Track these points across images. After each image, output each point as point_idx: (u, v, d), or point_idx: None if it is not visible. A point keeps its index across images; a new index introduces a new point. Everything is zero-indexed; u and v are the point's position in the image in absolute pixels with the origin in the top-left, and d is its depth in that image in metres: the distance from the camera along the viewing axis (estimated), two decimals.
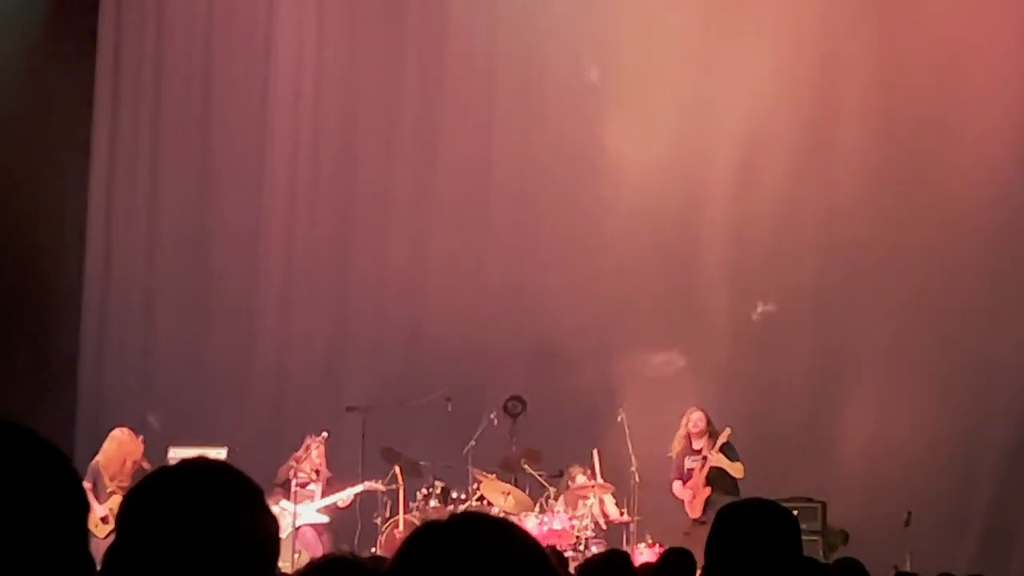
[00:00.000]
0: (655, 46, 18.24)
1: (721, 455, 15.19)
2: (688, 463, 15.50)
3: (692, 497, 15.31)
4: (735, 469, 15.17)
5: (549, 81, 18.65)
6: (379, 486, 15.85)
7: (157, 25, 19.66)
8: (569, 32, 18.61)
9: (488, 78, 18.90)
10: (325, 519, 15.76)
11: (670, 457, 15.67)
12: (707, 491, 15.21)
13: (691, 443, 15.56)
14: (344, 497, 15.79)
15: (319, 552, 15.30)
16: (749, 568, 4.00)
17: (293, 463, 15.80)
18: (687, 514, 15.42)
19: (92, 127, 19.45)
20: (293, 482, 15.73)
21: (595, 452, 16.02)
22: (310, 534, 15.71)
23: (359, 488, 15.79)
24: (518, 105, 18.77)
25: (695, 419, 15.52)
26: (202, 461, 2.58)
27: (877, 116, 17.53)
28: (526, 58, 18.79)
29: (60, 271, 18.76)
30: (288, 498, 15.60)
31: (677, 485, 15.55)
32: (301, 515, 15.61)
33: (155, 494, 2.49)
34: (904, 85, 17.49)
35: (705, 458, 15.33)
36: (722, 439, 15.25)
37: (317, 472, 15.91)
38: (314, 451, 15.85)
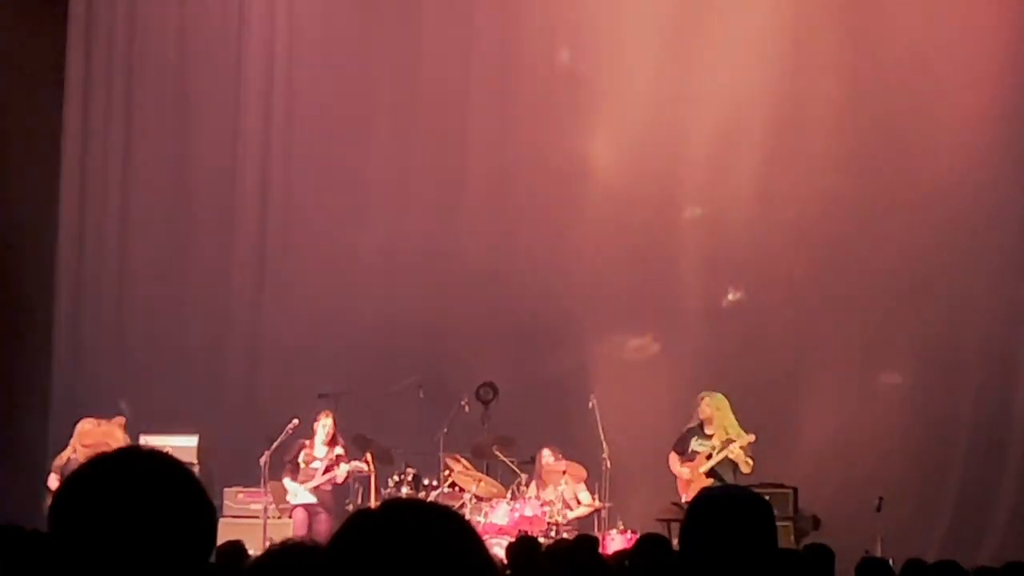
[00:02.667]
0: (629, 33, 18.25)
1: (740, 452, 15.21)
2: (694, 444, 15.54)
3: (689, 480, 15.34)
4: (746, 465, 15.21)
5: (524, 67, 18.64)
6: (364, 466, 15.84)
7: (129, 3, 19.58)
8: (543, 18, 18.60)
9: (463, 64, 18.87)
10: (312, 499, 15.71)
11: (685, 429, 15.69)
12: (707, 481, 15.17)
13: (703, 426, 15.59)
14: (336, 476, 15.76)
15: (302, 534, 15.31)
16: (722, 556, 4.00)
17: (304, 441, 15.81)
18: (678, 491, 15.47)
19: (64, 104, 19.33)
20: (300, 457, 15.76)
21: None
22: (300, 515, 15.71)
23: (349, 467, 15.75)
24: (493, 90, 18.76)
25: (704, 405, 15.64)
26: (136, 450, 2.57)
27: (850, 105, 17.58)
28: (501, 42, 18.78)
29: (32, 256, 18.68)
30: (294, 476, 15.66)
31: (674, 458, 15.59)
32: (297, 495, 15.63)
33: (83, 486, 2.48)
34: (877, 74, 17.54)
35: (714, 447, 15.34)
36: (741, 443, 15.26)
37: (331, 445, 15.83)
38: (319, 425, 15.80)
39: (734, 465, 15.34)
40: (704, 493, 4.31)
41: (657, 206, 17.98)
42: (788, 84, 17.84)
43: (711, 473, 15.31)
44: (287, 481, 15.67)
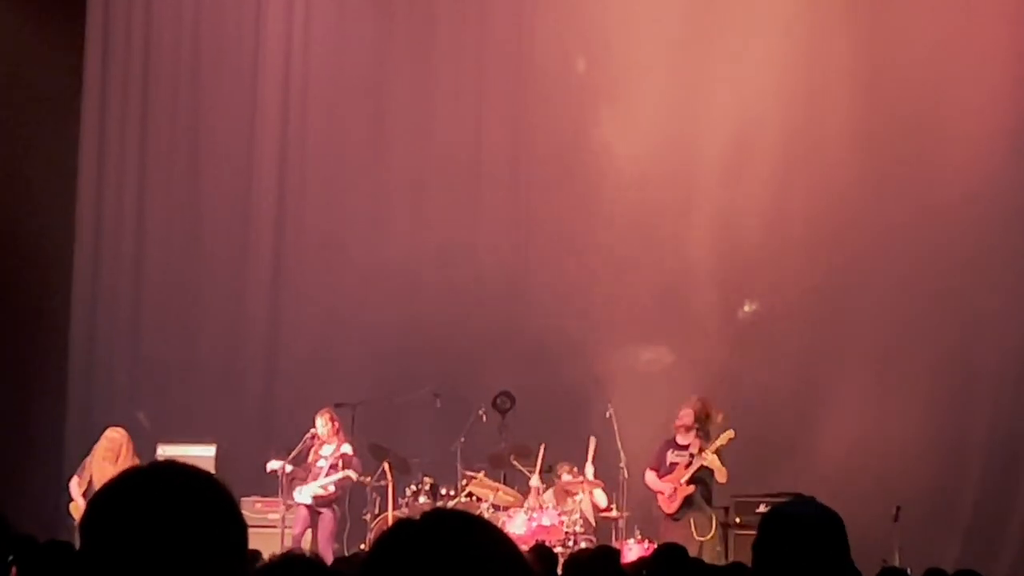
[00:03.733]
0: (643, 39, 18.25)
1: (715, 457, 15.07)
2: (671, 456, 15.35)
3: (673, 492, 15.23)
4: (721, 473, 15.09)
5: (539, 75, 18.64)
6: (361, 478, 15.79)
7: (145, 9, 19.60)
8: (558, 23, 18.60)
9: (477, 71, 18.90)
10: (307, 500, 15.68)
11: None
12: (689, 489, 15.13)
13: (676, 436, 15.47)
14: (327, 483, 15.72)
15: (299, 531, 15.39)
16: (799, 572, 3.98)
17: (310, 440, 15.80)
18: (660, 507, 15.37)
19: (80, 118, 19.38)
20: (310, 456, 15.76)
21: (591, 440, 15.98)
22: (303, 512, 15.70)
23: (338, 476, 15.70)
24: (508, 98, 18.78)
25: (682, 414, 15.39)
26: (171, 465, 2.56)
27: (865, 113, 17.54)
28: (515, 51, 18.79)
29: (49, 266, 18.72)
30: (298, 473, 15.69)
31: (651, 476, 15.41)
32: (302, 494, 15.64)
33: (118, 500, 2.47)
34: (892, 82, 17.51)
35: (692, 455, 15.24)
36: (721, 441, 15.13)
37: (336, 442, 15.79)
38: (319, 425, 15.80)
39: (711, 472, 15.24)
40: (776, 509, 4.25)
41: (672, 216, 17.97)
42: (802, 94, 17.81)
43: (693, 480, 15.18)
44: (298, 486, 15.68)
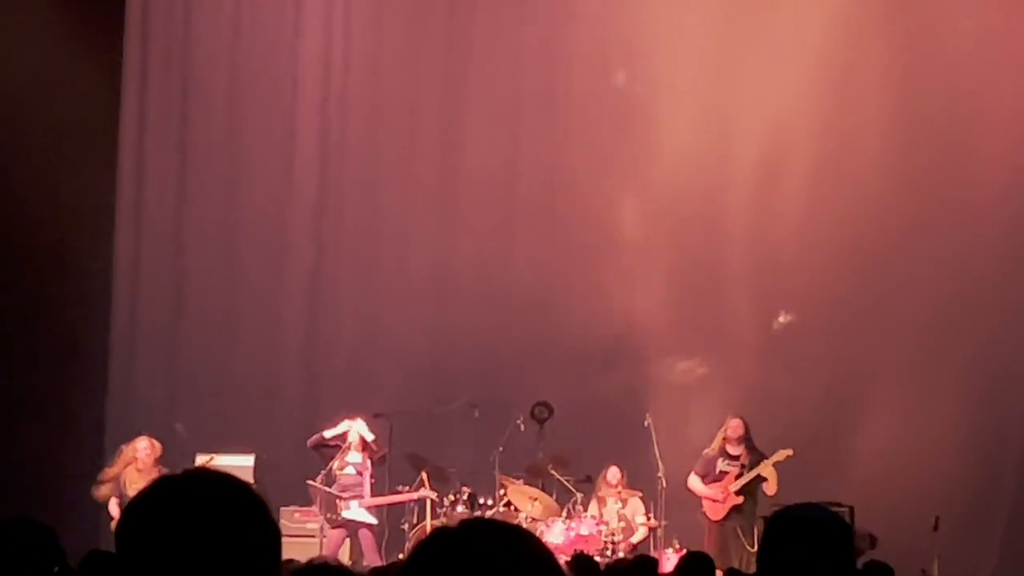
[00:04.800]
0: (679, 52, 18.24)
1: (773, 470, 15.20)
2: (721, 465, 15.57)
3: (722, 499, 15.32)
4: (772, 486, 15.20)
5: (574, 85, 18.66)
6: (432, 494, 15.77)
7: (184, 24, 19.67)
8: (595, 35, 18.61)
9: (513, 82, 18.91)
10: (372, 520, 15.67)
11: (705, 453, 15.68)
12: (738, 499, 15.26)
13: (726, 447, 15.59)
14: (404, 500, 15.74)
15: (334, 552, 15.34)
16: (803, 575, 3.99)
17: (341, 450, 15.79)
18: (705, 514, 15.44)
19: (118, 136, 19.46)
20: (334, 465, 15.72)
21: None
22: (339, 533, 15.67)
23: (416, 495, 15.73)
24: (543, 109, 18.78)
25: (733, 425, 15.63)
26: (203, 472, 2.57)
27: (899, 125, 17.52)
28: (551, 62, 18.80)
29: (88, 277, 18.80)
30: (327, 484, 15.64)
31: (695, 480, 15.57)
32: (351, 509, 15.61)
33: (152, 507, 2.48)
34: (927, 93, 17.47)
35: (744, 466, 15.35)
36: (779, 457, 15.28)
37: (365, 450, 15.77)
38: (349, 432, 15.78)
39: (760, 483, 15.34)
40: (782, 513, 4.25)
41: (707, 228, 17.96)
42: (836, 104, 17.78)
43: (743, 492, 15.36)
44: (347, 503, 15.63)
